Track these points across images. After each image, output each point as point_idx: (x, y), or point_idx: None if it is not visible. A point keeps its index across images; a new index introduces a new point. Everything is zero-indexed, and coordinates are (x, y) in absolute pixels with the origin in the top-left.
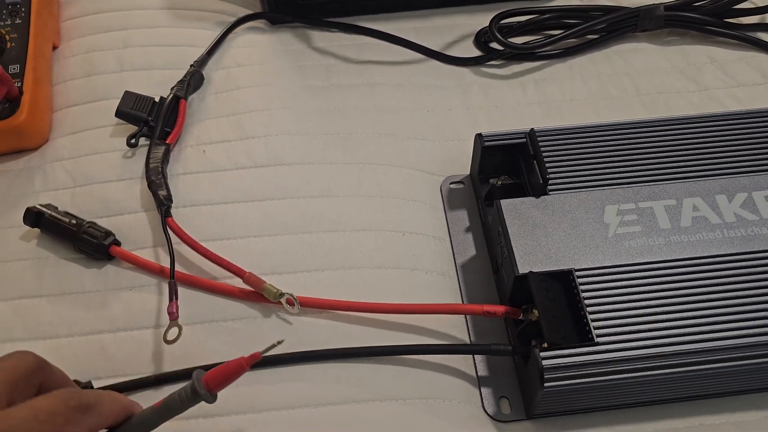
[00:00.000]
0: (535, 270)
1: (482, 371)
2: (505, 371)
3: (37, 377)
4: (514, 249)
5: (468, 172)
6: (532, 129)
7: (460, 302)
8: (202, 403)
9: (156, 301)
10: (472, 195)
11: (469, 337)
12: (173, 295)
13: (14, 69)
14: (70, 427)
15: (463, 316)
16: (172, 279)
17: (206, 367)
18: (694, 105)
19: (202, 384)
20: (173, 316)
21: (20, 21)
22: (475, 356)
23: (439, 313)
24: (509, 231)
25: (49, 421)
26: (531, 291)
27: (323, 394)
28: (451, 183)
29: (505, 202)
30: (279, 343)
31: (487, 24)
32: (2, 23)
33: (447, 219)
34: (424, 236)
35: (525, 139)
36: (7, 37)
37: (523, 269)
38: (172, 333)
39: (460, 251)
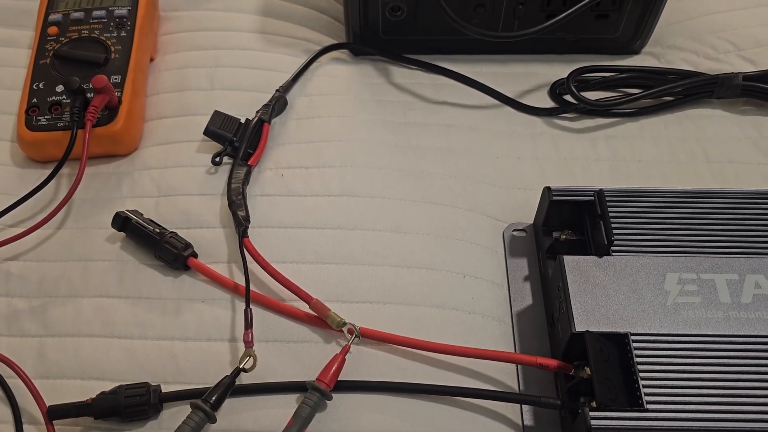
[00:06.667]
0: (591, 329)
1: (528, 421)
2: (550, 424)
3: None
4: (572, 306)
5: (531, 221)
6: (602, 189)
7: (513, 349)
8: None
9: (227, 317)
10: (534, 244)
11: (519, 385)
12: (249, 323)
13: (116, 79)
14: None
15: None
16: (248, 307)
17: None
18: (765, 178)
19: (323, 387)
20: (249, 345)
21: (125, 34)
22: (523, 406)
23: (494, 360)
24: (570, 288)
25: None
26: (586, 349)
27: (373, 424)
28: (514, 230)
29: (568, 259)
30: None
31: (562, 75)
32: (109, 35)
33: (507, 266)
34: (483, 281)
35: (593, 198)
36: (113, 48)
37: (580, 327)
38: (248, 362)
39: (517, 299)
